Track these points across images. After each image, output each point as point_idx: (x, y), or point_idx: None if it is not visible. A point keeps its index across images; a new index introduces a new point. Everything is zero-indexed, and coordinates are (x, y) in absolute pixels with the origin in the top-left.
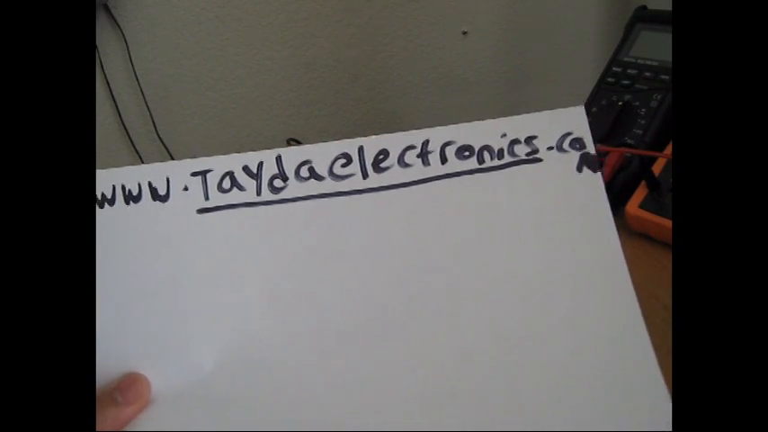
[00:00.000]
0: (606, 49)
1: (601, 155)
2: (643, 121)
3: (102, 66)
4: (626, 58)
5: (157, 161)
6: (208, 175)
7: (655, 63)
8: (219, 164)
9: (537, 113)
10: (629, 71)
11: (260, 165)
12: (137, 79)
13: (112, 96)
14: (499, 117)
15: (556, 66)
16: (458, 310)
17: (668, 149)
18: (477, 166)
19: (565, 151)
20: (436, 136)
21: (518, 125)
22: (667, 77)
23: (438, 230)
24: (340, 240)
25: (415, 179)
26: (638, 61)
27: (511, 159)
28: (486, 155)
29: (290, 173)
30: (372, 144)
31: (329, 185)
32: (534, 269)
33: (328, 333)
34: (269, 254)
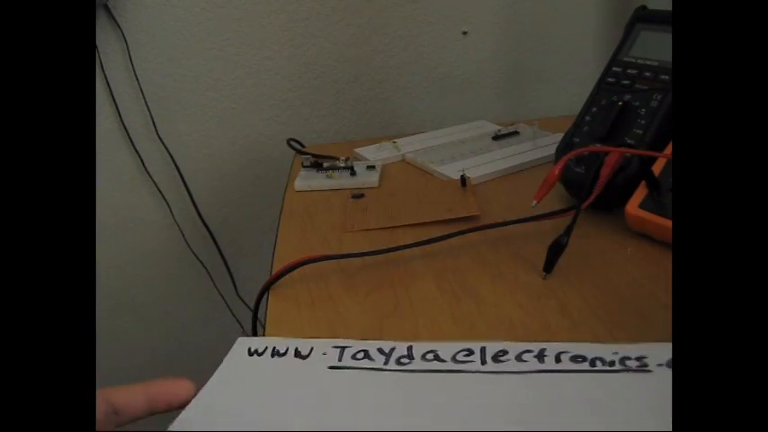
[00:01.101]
0: (606, 49)
1: (601, 155)
2: (643, 121)
3: (102, 66)
4: (626, 58)
5: (157, 161)
6: (346, 350)
7: (655, 63)
8: (358, 344)
9: (648, 343)
10: (629, 71)
11: (392, 349)
12: (137, 79)
13: (112, 96)
14: (498, 117)
15: (556, 66)
16: None
17: (668, 149)
18: (589, 368)
19: None
20: (552, 347)
21: (629, 348)
22: (667, 77)
23: (548, 416)
24: (451, 409)
25: (530, 370)
26: (638, 61)
27: (621, 367)
28: (599, 363)
29: (416, 356)
30: (494, 345)
31: (449, 365)
32: None
33: None
34: (385, 412)
